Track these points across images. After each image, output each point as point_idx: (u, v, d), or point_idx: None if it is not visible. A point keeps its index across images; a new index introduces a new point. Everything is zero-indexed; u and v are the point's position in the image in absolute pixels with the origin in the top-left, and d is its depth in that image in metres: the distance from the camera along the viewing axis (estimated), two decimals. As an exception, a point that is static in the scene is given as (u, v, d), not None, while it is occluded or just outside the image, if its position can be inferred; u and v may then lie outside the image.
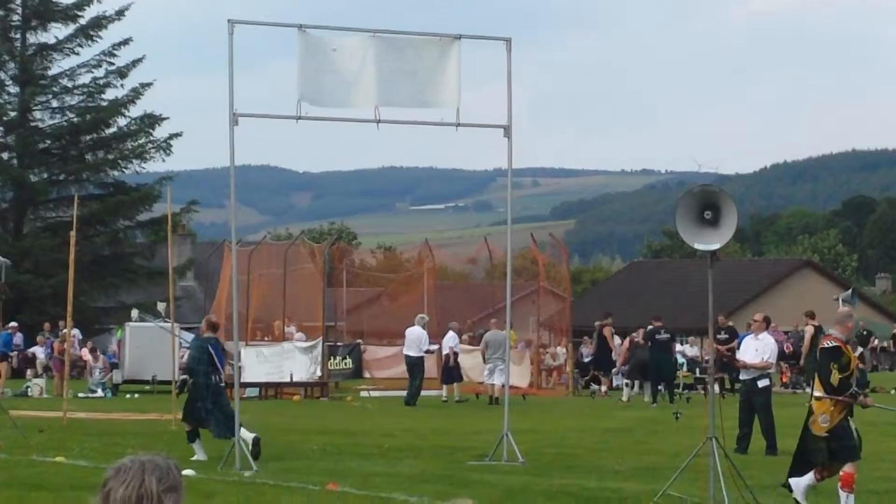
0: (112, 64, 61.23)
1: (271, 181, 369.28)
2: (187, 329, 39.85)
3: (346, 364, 42.56)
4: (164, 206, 39.11)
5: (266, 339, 43.80)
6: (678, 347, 44.58)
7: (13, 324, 43.50)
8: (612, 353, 40.99)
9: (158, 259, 56.67)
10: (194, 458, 19.56)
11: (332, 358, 41.24)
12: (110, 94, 61.75)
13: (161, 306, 32.57)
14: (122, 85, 61.39)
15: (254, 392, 37.19)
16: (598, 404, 36.46)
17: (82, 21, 61.01)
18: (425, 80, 19.43)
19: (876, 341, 54.53)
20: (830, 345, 14.70)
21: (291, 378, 38.45)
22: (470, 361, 38.71)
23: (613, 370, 40.71)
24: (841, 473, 14.49)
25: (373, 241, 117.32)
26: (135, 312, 36.81)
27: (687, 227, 14.93)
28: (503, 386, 26.25)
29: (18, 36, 61.23)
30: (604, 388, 40.46)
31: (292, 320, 43.25)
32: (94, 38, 61.16)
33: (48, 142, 62.27)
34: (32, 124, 61.54)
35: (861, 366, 19.27)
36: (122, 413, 30.54)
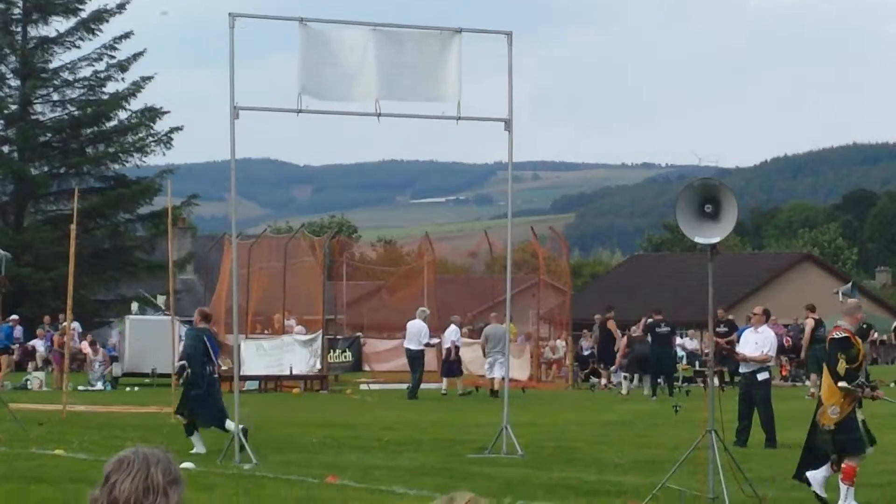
0: (113, 57, 61.27)
1: (272, 174, 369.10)
2: (188, 322, 39.87)
3: (345, 357, 42.59)
4: (165, 200, 39.12)
5: (266, 332, 43.79)
6: (678, 341, 44.60)
7: (14, 317, 43.50)
8: (616, 346, 40.95)
9: (158, 252, 56.67)
10: (193, 451, 19.58)
11: (331, 351, 41.26)
12: (111, 88, 61.83)
13: (161, 299, 32.61)
14: (122, 78, 61.46)
15: (253, 385, 37.20)
16: (598, 397, 36.49)
17: (83, 14, 61.03)
18: (426, 73, 19.43)
19: (876, 335, 54.55)
20: (840, 335, 14.73)
21: (291, 371, 38.46)
22: (470, 355, 38.72)
23: (612, 368, 40.66)
24: (843, 466, 14.51)
25: (373, 235, 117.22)
26: (134, 305, 36.89)
27: (687, 221, 14.93)
28: (503, 379, 26.26)
29: (19, 29, 61.19)
30: (604, 380, 40.46)
31: (292, 313, 43.24)
32: (95, 32, 61.14)
33: (49, 135, 62.25)
34: (33, 117, 61.54)
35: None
36: (121, 406, 30.54)
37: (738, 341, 25.36)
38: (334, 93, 19.35)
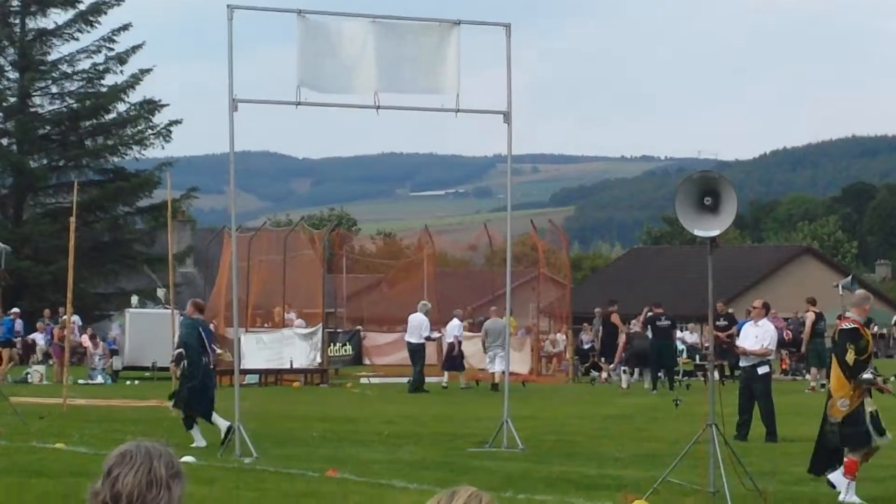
0: (112, 50, 61.28)
1: (271, 167, 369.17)
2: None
3: (345, 351, 42.60)
4: (164, 193, 39.15)
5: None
6: (678, 334, 44.59)
7: (15, 310, 43.50)
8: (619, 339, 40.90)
9: (158, 245, 56.68)
10: (193, 444, 19.58)
11: (331, 344, 41.26)
12: (110, 80, 61.85)
13: (161, 292, 32.61)
14: (121, 71, 61.48)
15: (254, 379, 37.20)
16: (598, 391, 36.48)
17: (82, 6, 61.01)
18: (425, 65, 19.39)
19: (875, 328, 54.54)
20: (849, 326, 14.71)
21: (291, 365, 38.47)
22: (471, 348, 38.72)
23: (611, 365, 40.62)
24: (845, 460, 14.49)
25: (372, 228, 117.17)
26: (135, 299, 36.87)
27: (686, 214, 14.90)
28: (503, 373, 26.25)
29: (18, 21, 61.18)
30: (604, 374, 40.45)
31: (292, 307, 43.25)
32: (94, 24, 61.14)
33: (48, 128, 62.25)
34: (32, 110, 61.53)
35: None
36: (121, 400, 30.54)
37: (737, 335, 25.33)
38: (333, 85, 19.31)
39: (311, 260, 43.13)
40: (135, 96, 61.55)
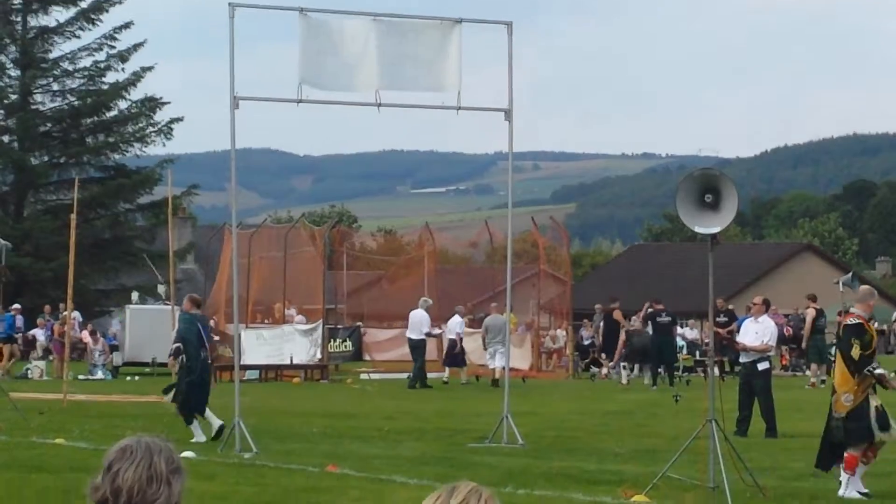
0: (113, 47, 61.21)
1: (272, 164, 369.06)
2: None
3: (346, 347, 42.59)
4: (165, 190, 39.18)
5: (266, 321, 43.81)
6: (678, 330, 44.58)
7: (16, 306, 43.51)
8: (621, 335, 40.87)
9: (159, 242, 56.67)
10: (193, 440, 19.61)
11: (332, 340, 41.27)
12: (111, 78, 61.76)
13: (161, 289, 32.64)
14: (122, 68, 61.39)
15: (254, 374, 37.22)
16: (598, 387, 36.49)
17: (83, 4, 60.91)
18: (426, 63, 19.41)
19: (876, 324, 54.47)
20: (853, 322, 14.71)
21: (291, 360, 38.47)
22: (471, 345, 38.73)
23: (611, 363, 40.60)
24: (845, 455, 14.50)
25: (373, 225, 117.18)
26: (135, 295, 36.86)
27: (687, 211, 14.92)
28: (504, 369, 26.27)
29: (19, 19, 61.12)
30: (604, 370, 40.45)
31: (293, 303, 43.25)
32: (96, 22, 61.07)
33: (49, 125, 62.22)
34: (33, 107, 61.49)
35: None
36: (121, 395, 30.55)
37: (737, 331, 25.34)
38: (335, 83, 19.33)
39: (311, 256, 43.13)
40: (136, 94, 61.56)
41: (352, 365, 42.29)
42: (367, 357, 43.70)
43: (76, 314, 41.51)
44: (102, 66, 61.26)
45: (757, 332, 21.77)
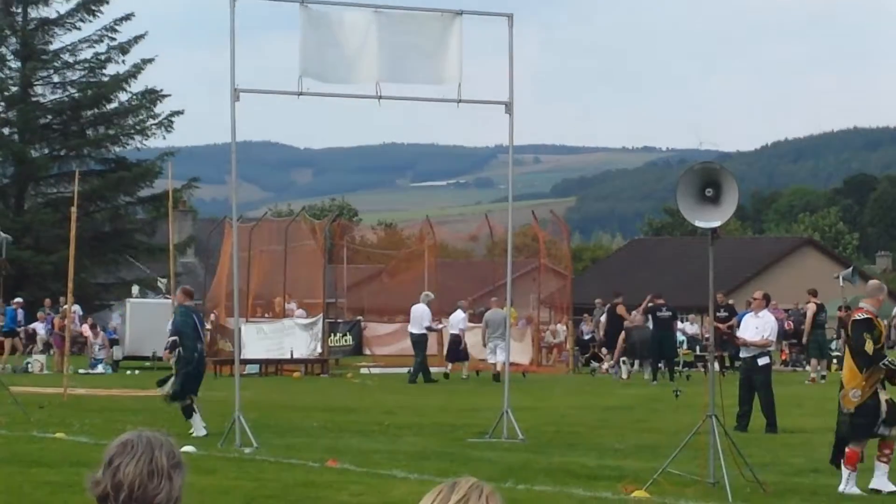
0: (113, 39, 61.20)
1: (272, 157, 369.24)
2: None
3: (346, 341, 42.58)
4: (165, 182, 39.15)
5: (267, 315, 43.81)
6: (678, 325, 44.56)
7: (18, 299, 43.49)
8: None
9: (159, 235, 56.66)
10: (193, 433, 19.59)
11: (332, 335, 41.26)
12: (111, 70, 61.77)
13: (162, 283, 32.60)
14: (123, 60, 61.38)
15: (254, 369, 37.20)
16: (598, 382, 36.48)
17: (83, -4, 60.89)
18: (427, 55, 19.36)
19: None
20: (862, 317, 14.64)
21: (292, 355, 38.47)
22: (472, 339, 38.74)
23: (611, 362, 40.52)
24: (846, 450, 14.47)
25: (373, 218, 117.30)
26: (135, 288, 36.81)
27: (688, 205, 14.90)
28: (504, 363, 26.25)
29: (20, 10, 61.07)
30: (605, 365, 40.42)
31: (293, 297, 43.23)
32: (96, 13, 61.07)
33: (49, 117, 62.20)
34: (33, 99, 61.47)
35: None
36: (122, 389, 30.55)
37: (738, 326, 25.32)
38: (335, 75, 19.28)
39: (311, 250, 43.11)
40: (136, 86, 61.57)
41: (352, 359, 42.29)
42: (367, 351, 43.69)
43: (76, 308, 41.50)
44: (103, 57, 61.27)
45: (757, 326, 21.74)
